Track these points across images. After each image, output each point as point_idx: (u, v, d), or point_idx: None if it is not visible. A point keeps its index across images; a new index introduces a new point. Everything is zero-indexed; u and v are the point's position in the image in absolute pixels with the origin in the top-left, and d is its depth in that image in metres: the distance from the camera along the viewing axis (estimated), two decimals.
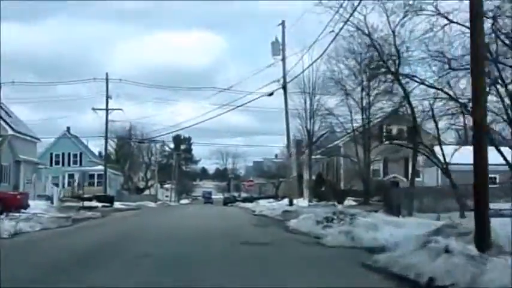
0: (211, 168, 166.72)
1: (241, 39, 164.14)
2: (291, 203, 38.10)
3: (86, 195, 62.04)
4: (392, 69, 26.91)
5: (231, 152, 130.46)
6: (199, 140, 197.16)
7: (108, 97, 60.00)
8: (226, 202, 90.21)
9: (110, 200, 57.87)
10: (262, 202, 58.46)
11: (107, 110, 60.30)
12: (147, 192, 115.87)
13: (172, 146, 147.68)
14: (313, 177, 54.66)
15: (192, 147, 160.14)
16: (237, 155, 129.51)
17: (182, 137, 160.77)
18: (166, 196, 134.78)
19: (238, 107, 43.19)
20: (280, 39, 44.28)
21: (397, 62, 26.59)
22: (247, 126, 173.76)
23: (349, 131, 47.71)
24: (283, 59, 44.13)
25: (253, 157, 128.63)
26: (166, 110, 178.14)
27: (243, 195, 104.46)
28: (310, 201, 47.34)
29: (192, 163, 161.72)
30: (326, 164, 56.21)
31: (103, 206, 50.75)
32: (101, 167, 73.96)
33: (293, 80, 45.41)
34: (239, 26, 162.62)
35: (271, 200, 72.53)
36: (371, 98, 42.60)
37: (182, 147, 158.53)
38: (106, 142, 60.49)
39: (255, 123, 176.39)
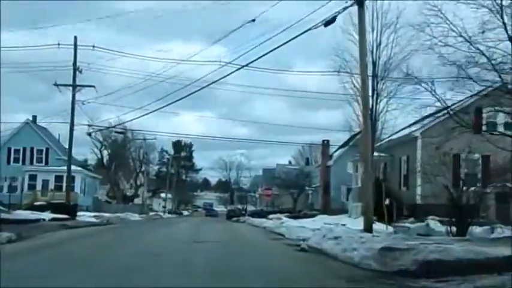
0: (213, 181, 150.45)
1: (243, 48, 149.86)
2: (369, 228, 19.64)
3: (38, 203, 44.86)
4: None
5: (235, 162, 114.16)
6: (201, 150, 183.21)
7: (76, 69, 42.64)
8: (230, 216, 72.21)
9: (71, 210, 40.35)
10: (280, 219, 40.57)
11: (73, 86, 42.88)
12: (139, 201, 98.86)
13: (172, 152, 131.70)
14: (358, 185, 36.92)
15: (194, 155, 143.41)
16: (241, 166, 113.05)
17: (183, 143, 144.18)
18: (164, 207, 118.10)
19: (275, 49, 23.84)
20: None
21: None
22: (251, 134, 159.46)
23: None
24: None
25: (256, 170, 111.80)
26: (165, 115, 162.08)
27: (251, 208, 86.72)
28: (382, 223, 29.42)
29: (193, 172, 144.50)
30: (384, 166, 38.26)
31: (53, 220, 33.38)
32: (73, 168, 56.37)
33: None
34: (241, 35, 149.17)
35: (287, 214, 54.84)
36: None
37: (183, 154, 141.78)
38: (72, 130, 42.86)
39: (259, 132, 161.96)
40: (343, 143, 61.27)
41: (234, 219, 69.10)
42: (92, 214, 51.65)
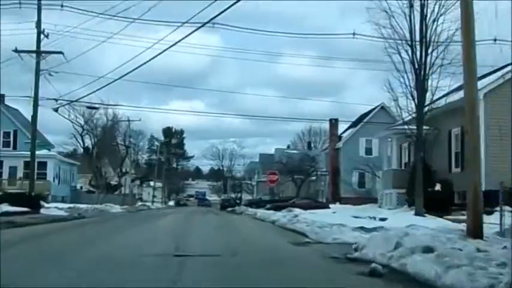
0: (205, 169, 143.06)
1: (238, 38, 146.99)
2: (478, 230, 11.75)
3: None
4: None
5: (228, 149, 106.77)
6: (193, 139, 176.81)
7: (40, 32, 34.79)
8: (224, 206, 64.47)
9: (34, 201, 32.60)
10: (290, 210, 32.65)
11: (37, 52, 34.98)
12: (126, 191, 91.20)
13: (162, 139, 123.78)
14: (393, 167, 29.24)
15: (185, 142, 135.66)
16: (234, 153, 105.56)
17: (173, 130, 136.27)
18: (154, 196, 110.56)
19: None
20: None
21: None
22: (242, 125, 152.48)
23: None
24: None
25: (250, 158, 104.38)
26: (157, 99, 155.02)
27: (247, 197, 79.10)
28: (419, 213, 21.77)
29: (184, 159, 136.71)
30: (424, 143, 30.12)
31: (3, 214, 25.53)
32: (44, 152, 48.47)
33: None
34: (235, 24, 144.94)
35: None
36: None
37: (173, 141, 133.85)
38: (36, 106, 34.95)
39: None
40: (353, 123, 53.73)
41: (229, 209, 61.48)
42: (66, 206, 43.94)
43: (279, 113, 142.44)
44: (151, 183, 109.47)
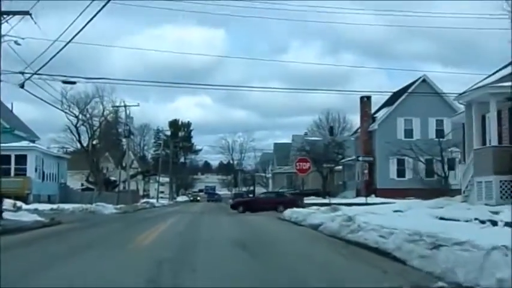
0: (214, 164, 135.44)
1: (243, 34, 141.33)
2: None
3: None
4: None
5: (238, 141, 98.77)
6: (200, 134, 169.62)
7: None
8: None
9: None
10: (336, 209, 23.80)
11: None
12: (133, 187, 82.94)
13: (168, 133, 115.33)
14: (492, 143, 20.42)
15: (192, 134, 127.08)
16: (244, 145, 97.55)
17: (180, 123, 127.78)
18: (161, 192, 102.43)
19: None
20: None
21: None
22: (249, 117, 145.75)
23: None
24: None
25: (259, 151, 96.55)
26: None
27: (261, 190, 70.37)
28: None
29: (192, 153, 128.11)
30: None
31: None
32: (24, 144, 40.14)
33: None
34: (241, 21, 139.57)
35: (312, 198, 38.64)
36: None
37: (180, 134, 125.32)
38: None
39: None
40: (386, 101, 45.07)
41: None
42: (49, 207, 35.72)
43: (286, 105, 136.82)
44: (160, 179, 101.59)
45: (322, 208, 22.87)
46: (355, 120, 60.32)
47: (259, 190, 74.75)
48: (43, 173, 41.35)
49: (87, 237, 15.70)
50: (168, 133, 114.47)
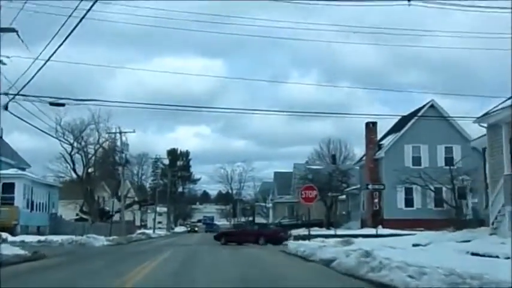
0: (213, 194, 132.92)
1: (240, 63, 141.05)
2: None
3: None
4: None
5: (237, 171, 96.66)
6: (199, 164, 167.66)
7: None
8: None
9: None
10: (349, 242, 21.33)
11: None
12: (129, 217, 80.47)
13: (166, 162, 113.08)
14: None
15: (191, 164, 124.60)
16: (243, 175, 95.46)
17: (179, 152, 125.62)
18: (159, 222, 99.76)
19: None
20: None
21: None
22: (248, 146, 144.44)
23: None
24: None
25: (259, 180, 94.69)
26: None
27: (261, 221, 67.91)
28: None
29: (190, 182, 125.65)
30: None
31: None
32: (12, 171, 37.92)
33: None
34: (237, 50, 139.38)
35: (316, 229, 36.50)
36: None
37: (179, 163, 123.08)
38: None
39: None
40: (392, 127, 43.06)
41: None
42: (37, 239, 33.45)
43: (285, 133, 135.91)
44: (157, 209, 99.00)
45: (331, 240, 20.71)
46: (357, 149, 58.55)
47: (260, 220, 72.34)
48: (32, 202, 39.09)
49: (64, 276, 13.47)
50: (167, 162, 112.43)
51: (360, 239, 22.26)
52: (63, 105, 25.63)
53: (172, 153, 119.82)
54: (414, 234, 25.12)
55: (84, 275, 14.06)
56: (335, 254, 17.21)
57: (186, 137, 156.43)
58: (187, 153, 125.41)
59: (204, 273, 13.90)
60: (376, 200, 27.50)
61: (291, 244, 22.35)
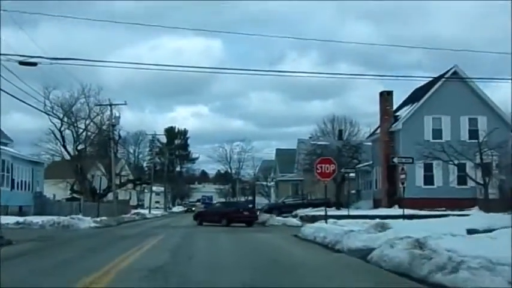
0: (212, 173, 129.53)
1: (239, 43, 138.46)
2: None
3: None
4: None
5: (236, 150, 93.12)
6: (197, 144, 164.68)
7: None
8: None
9: None
10: (382, 227, 17.48)
11: None
12: (125, 196, 76.77)
13: (164, 140, 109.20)
14: None
15: (189, 143, 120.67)
16: (243, 153, 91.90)
17: (177, 130, 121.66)
18: (157, 202, 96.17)
19: None
20: None
21: None
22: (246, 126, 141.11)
23: None
24: None
25: (258, 160, 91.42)
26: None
27: (263, 201, 64.10)
28: None
29: (188, 162, 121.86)
30: None
31: None
32: None
33: None
34: (237, 30, 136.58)
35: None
36: None
37: (177, 142, 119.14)
38: None
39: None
40: (407, 98, 39.02)
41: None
42: (15, 220, 29.55)
43: (282, 115, 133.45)
44: (154, 188, 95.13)
45: (345, 222, 16.76)
46: (363, 125, 54.68)
47: (261, 200, 68.61)
48: (12, 180, 35.13)
49: (7, 277, 9.54)
50: (164, 140, 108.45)
51: (389, 221, 18.40)
52: (35, 64, 21.57)
53: (170, 132, 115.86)
54: (463, 215, 21.21)
55: (41, 271, 10.15)
56: (368, 242, 13.32)
57: (184, 117, 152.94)
58: (185, 132, 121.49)
59: (199, 271, 9.99)
60: (402, 176, 23.57)
61: (307, 228, 18.41)
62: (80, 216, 31.61)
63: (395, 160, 23.45)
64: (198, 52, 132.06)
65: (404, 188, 23.73)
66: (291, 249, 14.89)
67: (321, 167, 19.73)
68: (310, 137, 55.31)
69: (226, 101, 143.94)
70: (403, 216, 22.86)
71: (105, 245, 16.63)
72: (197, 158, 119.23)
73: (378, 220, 15.73)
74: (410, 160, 24.37)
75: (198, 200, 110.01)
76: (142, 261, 11.40)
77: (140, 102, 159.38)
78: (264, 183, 69.28)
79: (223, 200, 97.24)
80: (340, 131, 56.30)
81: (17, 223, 28.78)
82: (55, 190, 65.03)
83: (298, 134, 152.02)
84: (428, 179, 34.96)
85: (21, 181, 36.82)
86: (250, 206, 67.16)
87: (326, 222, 19.72)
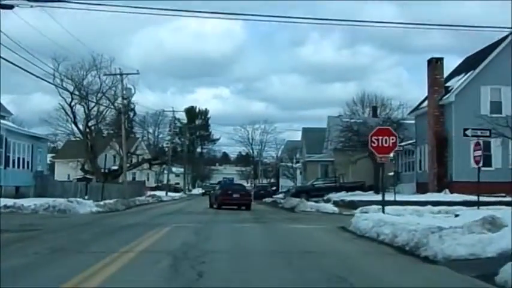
0: (233, 156, 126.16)
1: (260, 25, 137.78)
2: None
3: None
4: None
5: (258, 131, 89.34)
6: (219, 126, 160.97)
7: None
8: (261, 196, 45.96)
9: None
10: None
11: None
12: (141, 177, 73.11)
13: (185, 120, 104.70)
14: None
15: (210, 123, 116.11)
16: (265, 134, 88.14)
17: (197, 110, 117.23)
18: (177, 183, 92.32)
19: None
20: None
21: None
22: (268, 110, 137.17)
23: None
24: None
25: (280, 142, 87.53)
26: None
27: (287, 183, 59.48)
28: None
29: (209, 142, 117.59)
30: None
31: None
32: None
33: None
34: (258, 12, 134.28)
35: (358, 193, 28.03)
36: None
37: (197, 122, 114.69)
38: None
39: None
40: (457, 67, 33.82)
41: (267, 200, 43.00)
42: (5, 202, 25.21)
43: (303, 98, 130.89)
44: (173, 169, 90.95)
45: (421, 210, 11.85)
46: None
47: (286, 183, 63.96)
48: (7, 157, 30.75)
49: None
50: (185, 120, 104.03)
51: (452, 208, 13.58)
52: (11, 7, 16.94)
53: (191, 112, 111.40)
54: None
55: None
56: (477, 249, 8.52)
57: (205, 99, 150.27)
58: (206, 112, 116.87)
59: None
60: (477, 153, 18.66)
61: (361, 220, 13.57)
62: (79, 199, 27.16)
63: (469, 133, 18.50)
64: (219, 33, 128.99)
65: (480, 168, 18.75)
66: (347, 252, 10.06)
67: (377, 140, 14.90)
68: (339, 115, 50.40)
69: (248, 84, 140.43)
70: (478, 203, 18.08)
71: (90, 241, 11.92)
72: (218, 139, 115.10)
73: (485, 213, 10.81)
74: (487, 133, 19.39)
75: (219, 182, 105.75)
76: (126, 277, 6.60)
77: (161, 84, 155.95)
78: (290, 164, 64.46)
79: (244, 182, 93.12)
80: (375, 108, 51.29)
81: (5, 206, 24.41)
82: (70, 170, 61.02)
83: (321, 117, 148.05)
84: (486, 160, 29.79)
85: (19, 158, 32.47)
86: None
87: (383, 211, 14.95)
